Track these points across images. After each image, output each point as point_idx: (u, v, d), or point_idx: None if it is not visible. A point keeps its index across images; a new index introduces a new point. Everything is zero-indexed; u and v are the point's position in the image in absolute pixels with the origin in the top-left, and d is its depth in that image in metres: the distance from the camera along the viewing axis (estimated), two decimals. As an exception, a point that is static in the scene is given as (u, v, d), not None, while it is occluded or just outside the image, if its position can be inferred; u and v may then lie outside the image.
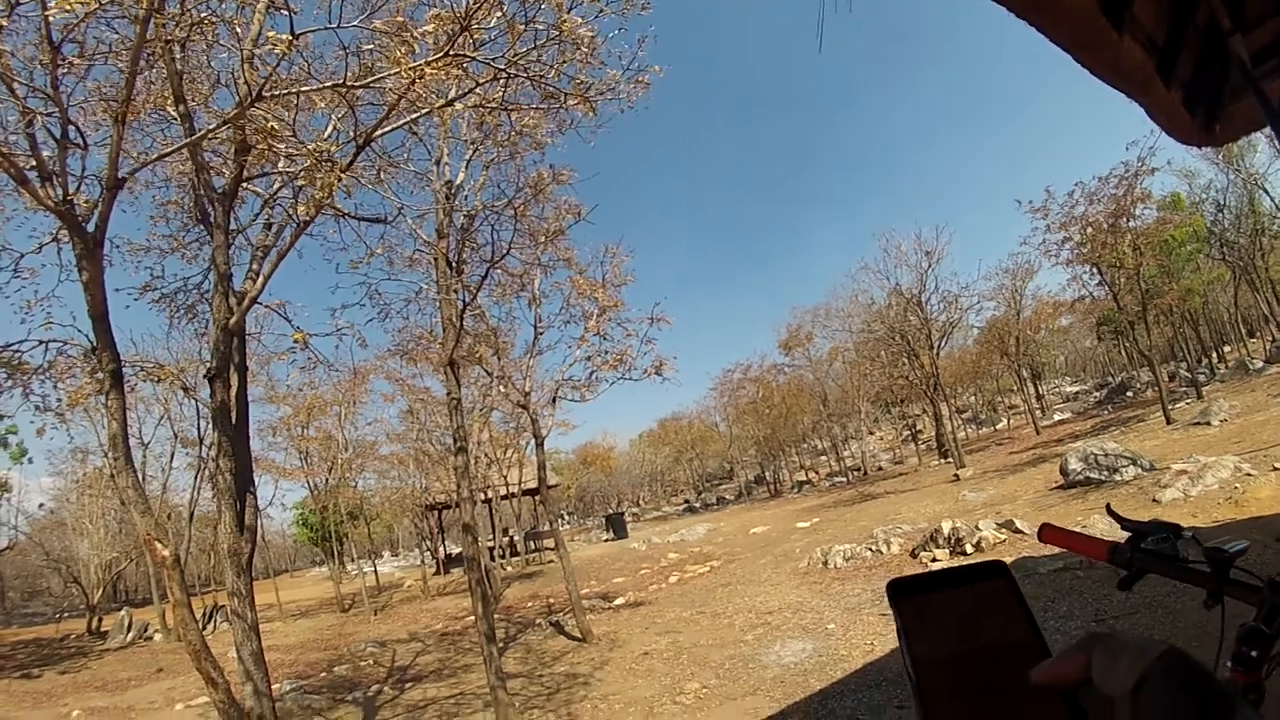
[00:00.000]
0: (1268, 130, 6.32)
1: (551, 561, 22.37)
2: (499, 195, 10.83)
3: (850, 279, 34.65)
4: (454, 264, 9.90)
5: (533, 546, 28.17)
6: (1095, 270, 24.90)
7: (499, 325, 13.77)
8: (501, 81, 7.07)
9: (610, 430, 70.62)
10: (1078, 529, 6.78)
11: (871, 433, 49.75)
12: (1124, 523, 1.39)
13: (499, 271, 11.62)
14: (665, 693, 6.77)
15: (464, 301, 9.97)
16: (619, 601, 12.91)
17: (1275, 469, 9.48)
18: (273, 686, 6.74)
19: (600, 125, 9.10)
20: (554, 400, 13.91)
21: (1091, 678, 0.44)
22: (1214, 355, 39.61)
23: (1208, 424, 16.93)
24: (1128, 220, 23.16)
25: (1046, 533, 1.45)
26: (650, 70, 8.01)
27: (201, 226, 7.65)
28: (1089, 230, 23.30)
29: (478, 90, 7.11)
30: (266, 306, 8.57)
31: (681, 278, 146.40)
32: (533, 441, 13.70)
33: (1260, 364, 28.37)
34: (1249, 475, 9.50)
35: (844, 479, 37.31)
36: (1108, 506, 1.61)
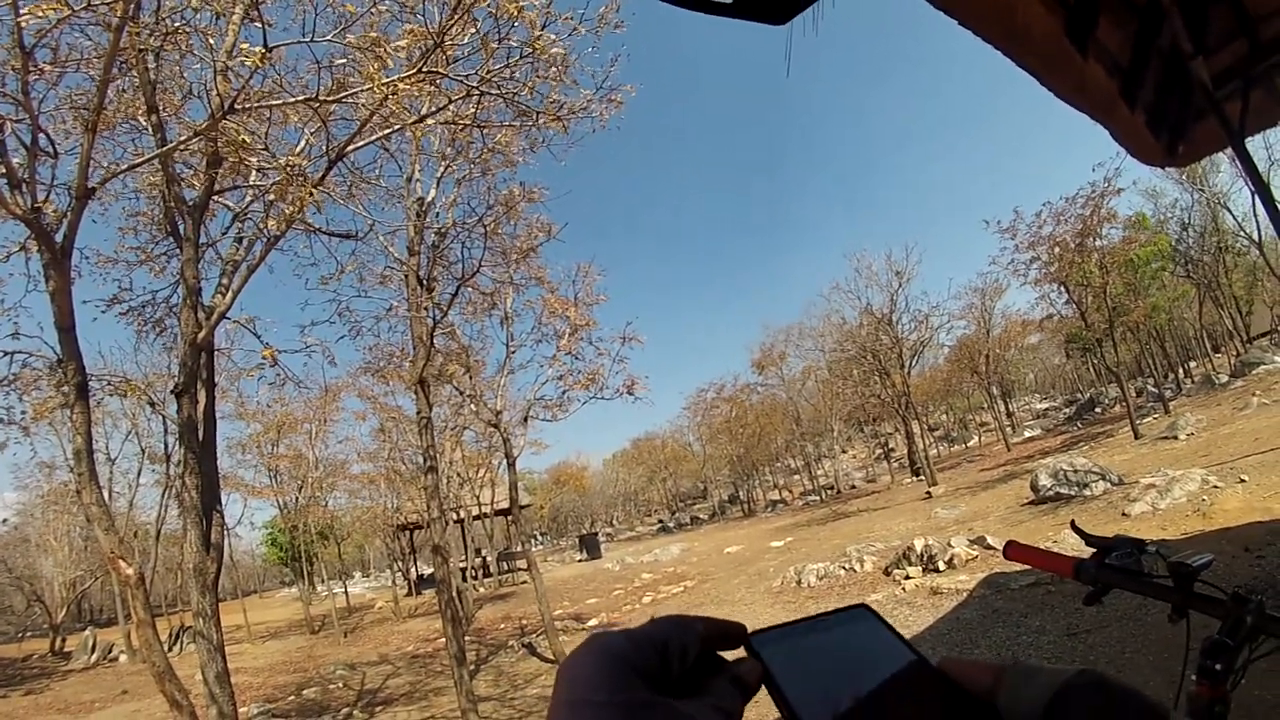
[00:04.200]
0: (1229, 151, 6.48)
1: (524, 582, 22.18)
2: (470, 213, 10.81)
3: (824, 298, 35.30)
4: (425, 281, 9.84)
5: (505, 567, 27.93)
6: (1063, 289, 25.39)
7: (470, 344, 13.72)
8: (474, 98, 7.10)
9: (583, 450, 70.42)
10: (1049, 544, 6.83)
11: (844, 451, 50.13)
12: (1089, 539, 1.40)
13: (470, 289, 11.57)
14: (639, 718, 6.72)
15: (434, 319, 9.91)
16: (592, 623, 12.81)
17: (1242, 481, 9.68)
18: (239, 710, 6.60)
19: (573, 144, 9.14)
20: (526, 419, 13.85)
21: (998, 698, 0.42)
22: (1180, 371, 40.27)
23: (1175, 438, 17.19)
24: (1094, 240, 23.80)
25: (1012, 550, 1.47)
26: (622, 89, 8.07)
27: (171, 239, 7.54)
28: (1056, 250, 23.81)
29: (450, 107, 7.11)
30: (235, 322, 8.43)
31: (654, 296, 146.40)
32: (505, 461, 13.64)
33: (1225, 378, 28.75)
34: (1216, 487, 9.66)
35: (817, 497, 37.40)
36: (1072, 523, 1.63)
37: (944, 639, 6.58)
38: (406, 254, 9.81)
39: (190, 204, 6.97)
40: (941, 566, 9.73)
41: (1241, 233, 33.38)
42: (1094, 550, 1.36)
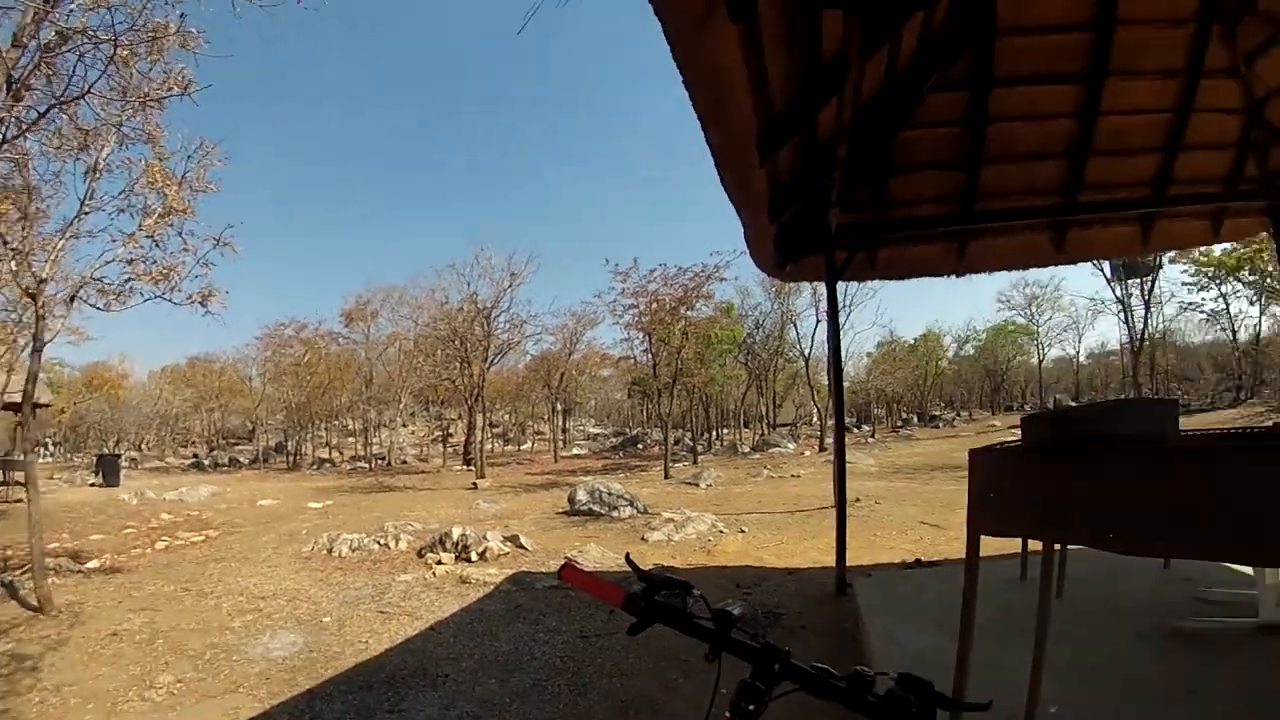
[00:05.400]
0: (821, 285, 7.75)
1: (20, 500, 18.28)
2: (109, 27, 8.62)
3: (435, 273, 34.76)
4: (13, 83, 7.89)
5: (1, 477, 22.75)
6: (647, 339, 28.33)
7: (39, 185, 11.09)
8: None
9: (129, 355, 60.70)
10: (574, 553, 7.40)
11: (405, 425, 49.51)
12: (641, 574, 1.44)
13: (67, 116, 9.36)
14: (133, 685, 5.56)
15: (3, 135, 7.95)
16: (92, 565, 10.87)
17: (742, 531, 11.40)
18: None
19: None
20: (73, 300, 11.54)
21: None
22: (714, 433, 46.31)
23: (697, 485, 19.82)
24: (687, 309, 27.02)
25: (568, 573, 1.47)
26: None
27: None
28: (654, 306, 26.51)
29: None
30: None
31: (290, 208, 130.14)
32: (31, 344, 11.30)
33: (748, 449, 34.77)
34: (722, 532, 11.21)
35: (367, 465, 36.57)
36: (627, 556, 1.68)
37: (466, 628, 6.69)
38: (10, 41, 7.76)
39: None
40: (474, 557, 9.88)
41: (798, 347, 41.84)
42: (644, 585, 1.41)
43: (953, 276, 8.17)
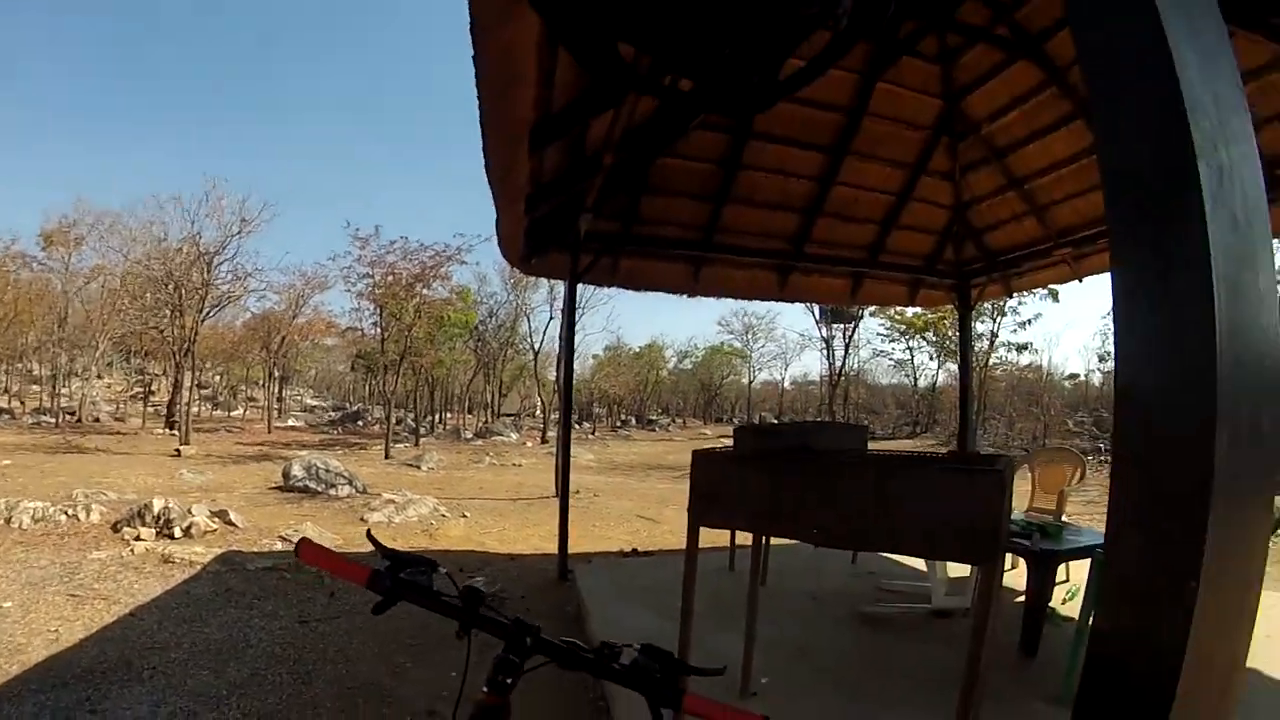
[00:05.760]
0: (563, 283, 8.16)
1: None
2: None
3: (157, 203, 29.90)
4: None
5: None
6: (379, 312, 27.41)
7: None
8: None
9: None
10: (292, 532, 7.17)
11: (100, 377, 43.52)
12: (384, 551, 1.43)
13: None
14: None
15: None
16: None
17: (465, 516, 11.52)
18: None
19: None
20: None
21: None
22: (437, 417, 45.70)
23: (418, 467, 19.62)
24: (424, 288, 26.64)
25: (306, 550, 1.43)
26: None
27: None
28: (390, 279, 25.81)
29: None
30: None
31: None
32: None
33: (471, 435, 34.68)
34: (444, 516, 11.24)
35: (53, 420, 31.23)
36: (368, 533, 1.67)
37: (172, 614, 6.09)
38: None
39: None
40: (178, 534, 9.01)
41: (529, 340, 42.62)
42: (389, 563, 1.39)
43: (685, 296, 8.84)
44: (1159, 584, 0.84)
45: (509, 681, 1.25)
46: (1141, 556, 0.87)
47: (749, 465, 3.30)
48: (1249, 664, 3.46)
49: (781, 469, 3.05)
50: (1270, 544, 3.37)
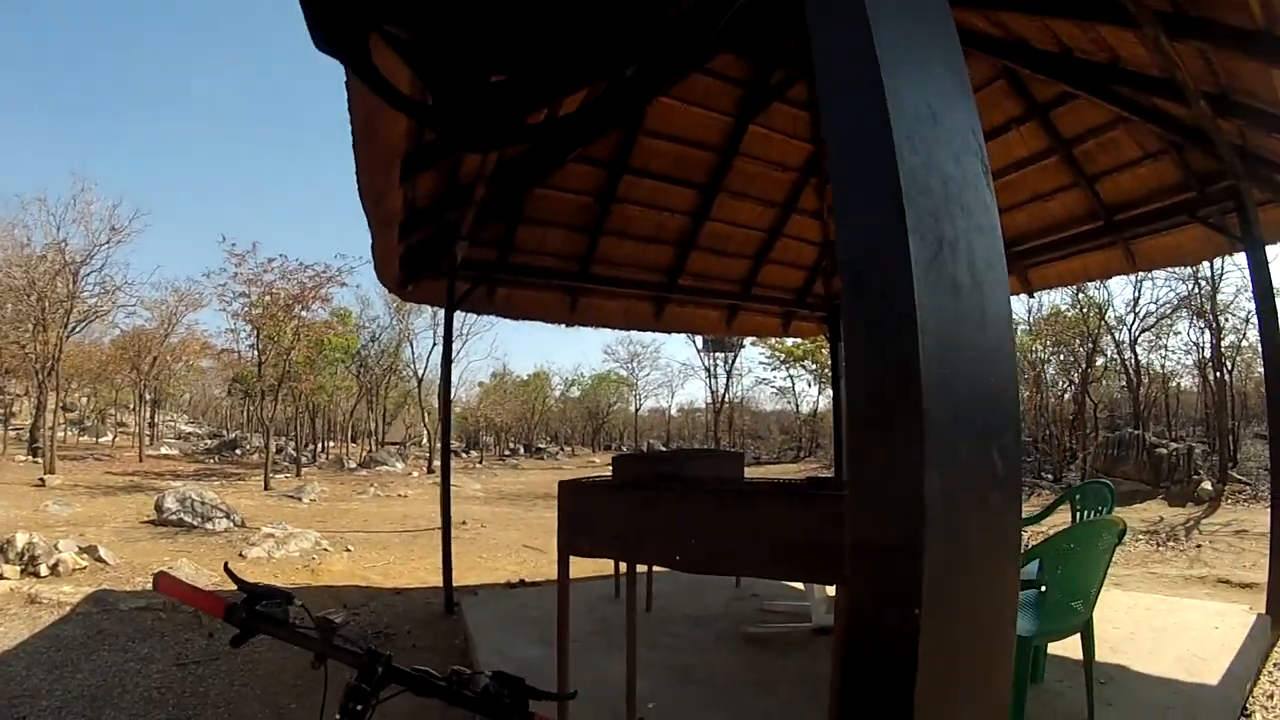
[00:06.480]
0: (439, 309, 8.11)
1: None
2: None
3: (20, 204, 26.60)
4: None
5: None
6: (256, 334, 26.32)
7: None
8: None
9: None
10: (166, 567, 6.84)
11: None
12: (241, 584, 1.44)
13: None
14: None
15: None
16: None
17: (349, 550, 11.20)
18: None
19: None
20: None
21: None
22: (320, 445, 44.28)
23: (300, 499, 18.91)
24: (304, 309, 25.70)
25: (164, 582, 1.45)
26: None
27: None
28: (268, 299, 24.83)
29: None
30: None
31: None
32: None
33: (354, 465, 33.63)
34: (326, 550, 10.94)
35: None
36: (225, 565, 1.68)
37: (42, 659, 5.74)
38: None
39: None
40: (45, 571, 8.48)
41: (413, 366, 42.35)
42: (245, 595, 1.41)
43: (562, 325, 8.88)
44: (890, 613, 0.94)
45: (360, 709, 1.27)
46: (873, 589, 0.98)
47: (613, 494, 3.38)
48: (1115, 659, 4.10)
49: (643, 497, 3.13)
50: (1119, 549, 3.69)
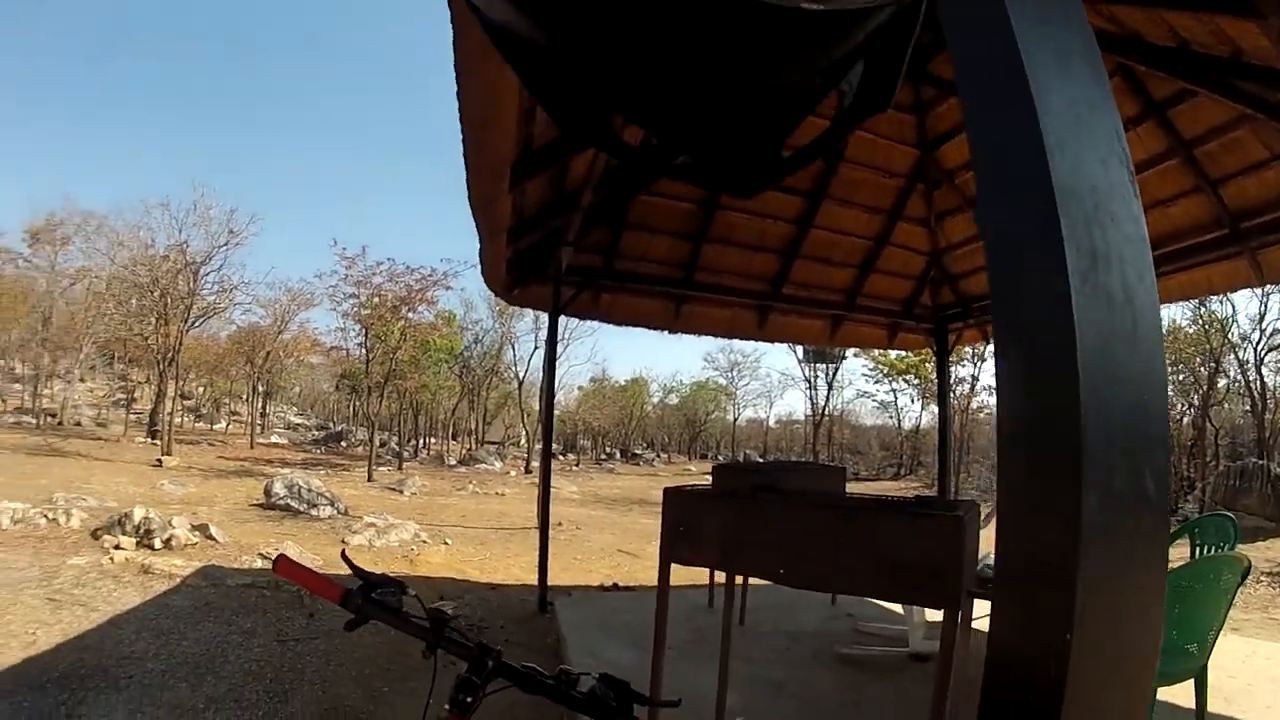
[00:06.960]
0: (545, 315, 8.21)
1: None
2: None
3: (144, 208, 28.78)
4: None
5: None
6: (364, 333, 27.40)
7: None
8: None
9: None
10: (271, 550, 7.09)
11: (83, 380, 42.35)
12: (358, 571, 1.47)
13: None
14: None
15: None
16: None
17: (446, 543, 11.45)
18: None
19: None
20: None
21: None
22: (421, 441, 45.53)
23: (401, 492, 19.57)
24: (410, 310, 26.64)
25: (282, 565, 1.48)
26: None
27: None
28: (376, 300, 25.83)
29: None
30: None
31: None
32: None
33: (454, 462, 34.74)
34: (425, 542, 11.22)
35: (34, 420, 30.95)
36: (343, 553, 1.69)
37: (150, 625, 6.01)
38: None
39: None
40: (158, 545, 9.00)
41: (514, 368, 42.84)
42: (361, 583, 1.44)
43: (666, 332, 8.77)
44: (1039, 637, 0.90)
45: (470, 701, 1.29)
46: (1022, 615, 0.94)
47: (718, 503, 3.31)
48: (1228, 711, 3.73)
49: (748, 508, 3.07)
50: (1240, 589, 3.46)
